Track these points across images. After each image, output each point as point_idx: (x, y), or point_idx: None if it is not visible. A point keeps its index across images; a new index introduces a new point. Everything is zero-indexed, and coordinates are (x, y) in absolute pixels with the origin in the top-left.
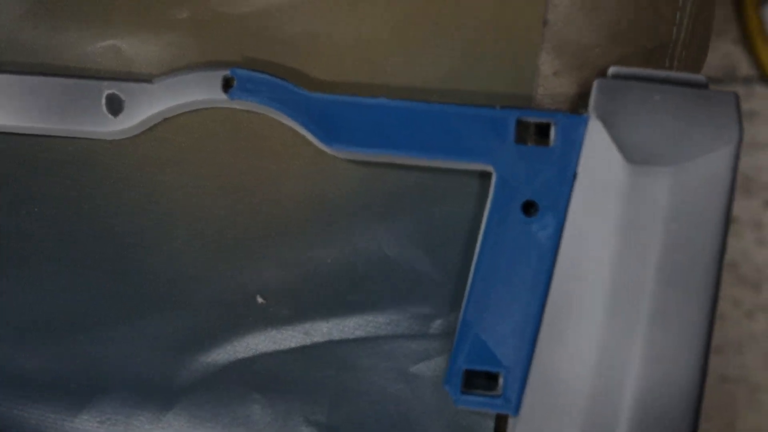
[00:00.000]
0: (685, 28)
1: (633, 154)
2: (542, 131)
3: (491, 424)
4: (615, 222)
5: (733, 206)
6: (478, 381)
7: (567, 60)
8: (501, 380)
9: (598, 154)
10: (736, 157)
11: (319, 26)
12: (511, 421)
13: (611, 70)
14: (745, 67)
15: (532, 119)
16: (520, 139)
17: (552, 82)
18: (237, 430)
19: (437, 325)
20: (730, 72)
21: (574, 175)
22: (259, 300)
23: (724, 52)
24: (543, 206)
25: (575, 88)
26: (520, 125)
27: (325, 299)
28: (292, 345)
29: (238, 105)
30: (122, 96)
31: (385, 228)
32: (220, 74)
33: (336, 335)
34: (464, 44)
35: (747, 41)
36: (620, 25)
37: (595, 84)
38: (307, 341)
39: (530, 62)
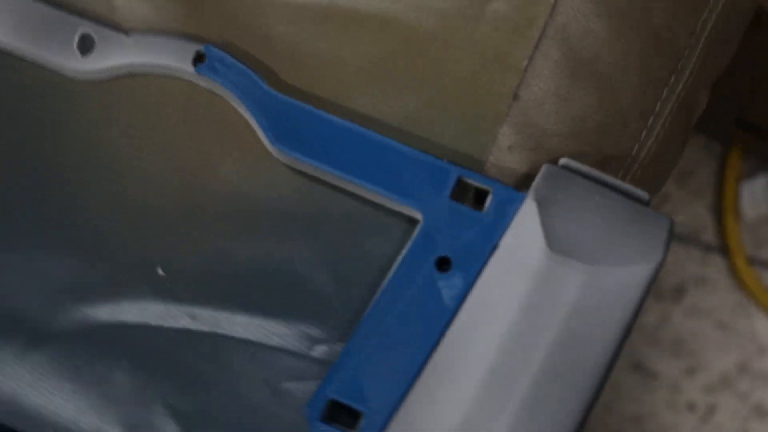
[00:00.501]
0: (648, 148)
1: (556, 243)
2: (479, 196)
3: None
4: (519, 302)
5: (635, 323)
6: (341, 415)
7: (524, 139)
8: (362, 420)
9: (524, 233)
10: (653, 279)
11: (305, 35)
12: None
13: (563, 160)
14: (709, 234)
15: (473, 182)
16: (456, 196)
17: (504, 154)
18: (94, 390)
19: (323, 350)
20: (695, 234)
21: (495, 246)
22: (160, 272)
23: (695, 214)
24: (456, 266)
25: (524, 167)
26: (460, 184)
27: (223, 292)
28: (177, 325)
29: (202, 82)
30: (95, 38)
31: (304, 243)
32: (194, 47)
33: (222, 330)
34: (434, 93)
35: (718, 210)
36: (586, 124)
37: (544, 168)
38: (193, 326)
39: (491, 130)
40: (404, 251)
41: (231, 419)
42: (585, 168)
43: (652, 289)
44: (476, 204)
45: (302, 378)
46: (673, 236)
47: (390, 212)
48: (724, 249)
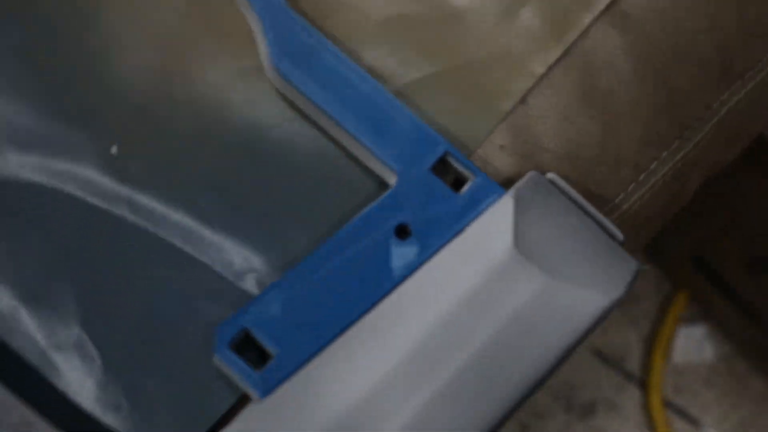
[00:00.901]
0: (631, 203)
1: (523, 244)
2: (458, 180)
3: (233, 398)
4: (467, 291)
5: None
6: (250, 350)
7: (519, 143)
8: (270, 363)
9: (494, 226)
10: (605, 313)
11: None
12: (252, 404)
13: (551, 175)
14: (634, 364)
15: (457, 164)
16: (436, 171)
17: (493, 151)
18: (3, 245)
19: (251, 282)
20: (619, 359)
21: (460, 230)
22: (113, 150)
23: (626, 340)
24: (415, 238)
25: (509, 169)
26: (444, 161)
27: (171, 192)
28: (115, 211)
29: None
30: None
31: (267, 170)
32: None
33: (158, 230)
34: (445, 69)
35: (650, 345)
36: (580, 151)
37: (530, 174)
38: (130, 217)
39: (488, 124)
40: (368, 207)
41: (133, 320)
42: (570, 189)
43: (600, 324)
44: (453, 184)
45: (221, 302)
46: (636, 281)
47: (366, 173)
48: (643, 383)
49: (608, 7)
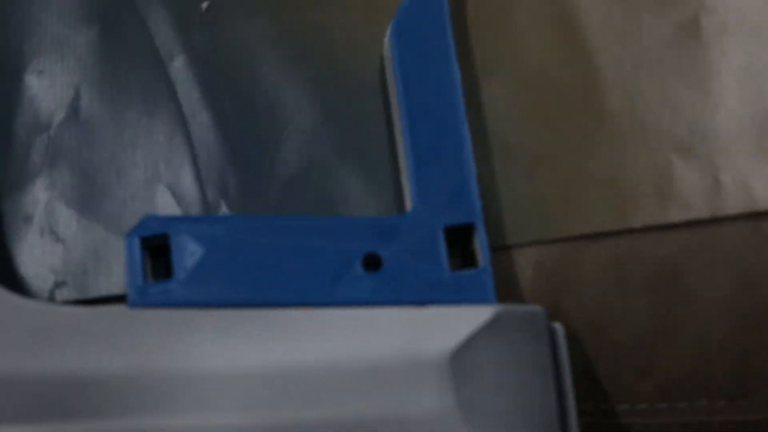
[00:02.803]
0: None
1: (460, 366)
2: (465, 257)
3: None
4: (368, 362)
5: None
6: (156, 258)
7: (555, 273)
8: (164, 282)
9: (448, 324)
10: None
11: None
12: (116, 305)
13: (558, 326)
14: None
15: (475, 243)
16: (450, 233)
17: (527, 259)
18: None
19: (226, 210)
20: None
21: (420, 304)
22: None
23: None
24: (377, 278)
25: (528, 286)
26: (466, 231)
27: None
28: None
29: None
30: None
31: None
32: None
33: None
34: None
35: None
36: (614, 336)
37: (534, 307)
38: None
39: (554, 231)
40: (363, 217)
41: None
42: (565, 354)
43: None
44: (449, 252)
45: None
46: None
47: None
48: None
49: None
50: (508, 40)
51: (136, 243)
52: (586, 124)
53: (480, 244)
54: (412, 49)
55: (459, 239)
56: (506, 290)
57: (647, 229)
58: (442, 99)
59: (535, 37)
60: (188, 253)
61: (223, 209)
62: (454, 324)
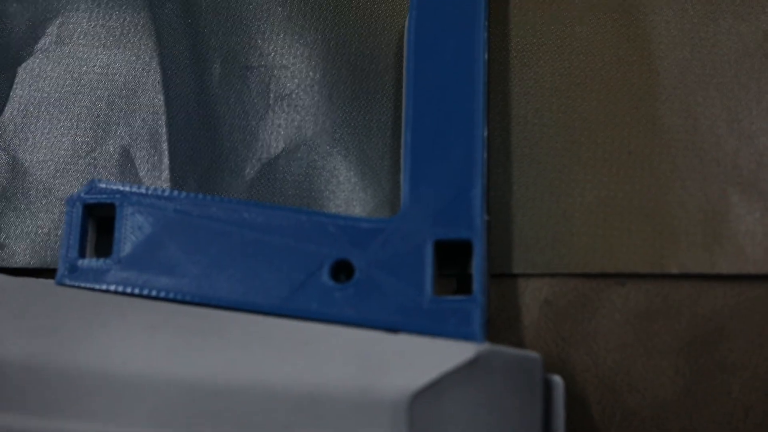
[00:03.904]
0: None
1: (422, 409)
2: (459, 282)
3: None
4: (318, 388)
5: None
6: (101, 231)
7: (565, 319)
8: (104, 259)
9: (420, 358)
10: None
11: None
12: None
13: (558, 379)
14: None
15: (471, 266)
16: (440, 249)
17: (535, 295)
18: None
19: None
20: None
21: (391, 329)
22: None
23: None
24: (345, 290)
25: (529, 328)
26: (461, 249)
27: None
28: None
29: None
30: None
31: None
32: None
33: None
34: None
35: None
36: (624, 395)
37: (532, 354)
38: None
39: (577, 264)
40: (339, 215)
41: None
42: (561, 413)
43: None
44: (437, 271)
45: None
46: None
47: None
48: None
49: None
50: (554, 25)
51: (78, 210)
52: (632, 139)
53: (475, 267)
54: (432, 24)
55: (452, 258)
56: (503, 328)
57: (687, 277)
58: (460, 86)
59: (588, 26)
60: (132, 228)
61: (192, 186)
62: (424, 359)
